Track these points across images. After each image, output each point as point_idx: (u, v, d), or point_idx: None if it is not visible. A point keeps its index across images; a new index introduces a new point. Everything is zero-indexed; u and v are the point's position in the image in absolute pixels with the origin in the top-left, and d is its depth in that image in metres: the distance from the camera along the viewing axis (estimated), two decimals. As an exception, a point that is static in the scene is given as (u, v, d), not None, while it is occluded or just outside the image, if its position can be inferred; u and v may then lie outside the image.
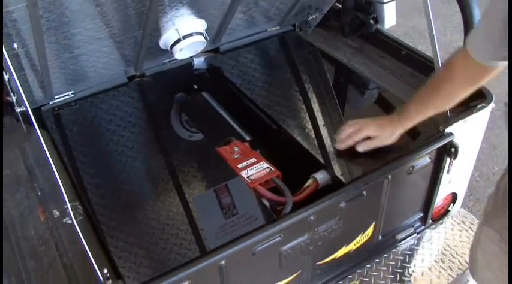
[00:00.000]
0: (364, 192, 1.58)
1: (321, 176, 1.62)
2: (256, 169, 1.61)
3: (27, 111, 1.29)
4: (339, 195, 1.51)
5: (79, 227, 1.38)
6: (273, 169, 1.60)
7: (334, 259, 1.72)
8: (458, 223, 2.02)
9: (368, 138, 1.72)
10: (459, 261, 1.88)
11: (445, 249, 1.94)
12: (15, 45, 1.44)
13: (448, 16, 4.27)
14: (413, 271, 1.85)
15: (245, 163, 1.64)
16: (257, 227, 1.43)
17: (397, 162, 1.61)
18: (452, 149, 1.69)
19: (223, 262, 1.38)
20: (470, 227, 2.00)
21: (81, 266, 1.38)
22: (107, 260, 1.32)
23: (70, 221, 1.52)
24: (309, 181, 1.62)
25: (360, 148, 1.73)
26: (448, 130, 1.67)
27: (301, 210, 1.46)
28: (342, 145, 1.76)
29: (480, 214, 1.56)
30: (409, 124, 1.67)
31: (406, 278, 1.83)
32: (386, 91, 2.12)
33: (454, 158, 1.71)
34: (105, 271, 1.25)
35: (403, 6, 2.23)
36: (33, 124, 1.30)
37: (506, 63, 1.31)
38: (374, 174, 1.58)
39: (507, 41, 1.20)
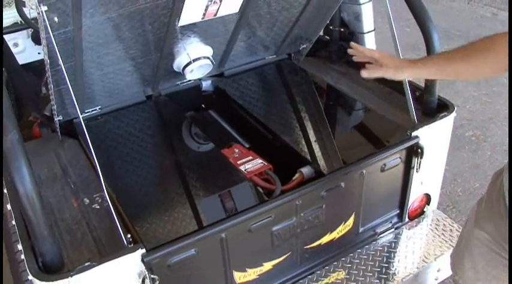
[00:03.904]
0: (343, 184, 1.89)
1: (306, 170, 1.93)
2: (252, 164, 1.94)
3: (80, 122, 1.62)
4: (320, 183, 1.82)
5: (107, 209, 1.70)
6: (266, 163, 1.92)
7: (320, 244, 2.00)
8: (431, 224, 2.31)
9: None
10: (428, 253, 2.14)
11: (420, 244, 2.22)
12: (60, 62, 1.76)
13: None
14: (391, 260, 2.13)
15: (243, 160, 1.97)
16: (251, 206, 1.74)
17: (369, 158, 1.92)
18: (419, 150, 2.00)
19: (223, 235, 1.68)
20: (442, 228, 2.27)
21: (108, 238, 1.70)
22: (129, 230, 1.62)
23: (98, 207, 1.87)
24: (296, 175, 1.94)
25: (365, 74, 1.67)
26: (414, 134, 2.00)
27: (288, 193, 1.77)
28: (356, 53, 1.77)
29: (465, 221, 1.76)
30: (420, 69, 1.58)
31: (385, 265, 2.10)
32: (369, 108, 2.46)
33: (421, 158, 2.01)
34: (129, 236, 1.57)
35: (379, 35, 2.62)
36: (84, 132, 1.60)
37: None
38: (349, 167, 1.89)
39: None
